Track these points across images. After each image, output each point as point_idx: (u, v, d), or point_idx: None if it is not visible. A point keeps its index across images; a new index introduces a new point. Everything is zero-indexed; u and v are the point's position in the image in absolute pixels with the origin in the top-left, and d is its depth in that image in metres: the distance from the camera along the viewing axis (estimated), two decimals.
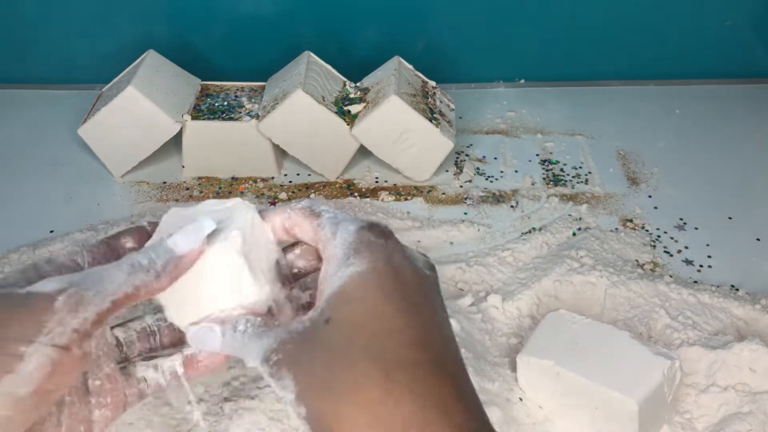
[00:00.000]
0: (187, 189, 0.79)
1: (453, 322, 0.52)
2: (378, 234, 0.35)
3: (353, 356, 0.32)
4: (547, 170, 0.82)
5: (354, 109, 0.78)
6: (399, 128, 0.76)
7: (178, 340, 0.39)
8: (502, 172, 0.82)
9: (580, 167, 0.82)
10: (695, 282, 0.66)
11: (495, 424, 0.49)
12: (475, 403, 0.33)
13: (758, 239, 0.72)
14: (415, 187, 0.79)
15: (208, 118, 0.78)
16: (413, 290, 0.34)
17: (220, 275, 0.36)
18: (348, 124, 0.77)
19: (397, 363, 0.32)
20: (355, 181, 0.80)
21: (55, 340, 0.31)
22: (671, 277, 0.66)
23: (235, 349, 0.36)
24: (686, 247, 0.71)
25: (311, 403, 0.32)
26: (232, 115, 0.78)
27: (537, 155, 0.84)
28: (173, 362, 0.38)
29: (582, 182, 0.80)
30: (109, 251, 0.38)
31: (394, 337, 0.32)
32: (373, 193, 0.78)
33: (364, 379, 0.31)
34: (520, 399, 0.55)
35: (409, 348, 0.32)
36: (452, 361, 0.34)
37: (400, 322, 0.33)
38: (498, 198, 0.78)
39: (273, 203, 0.76)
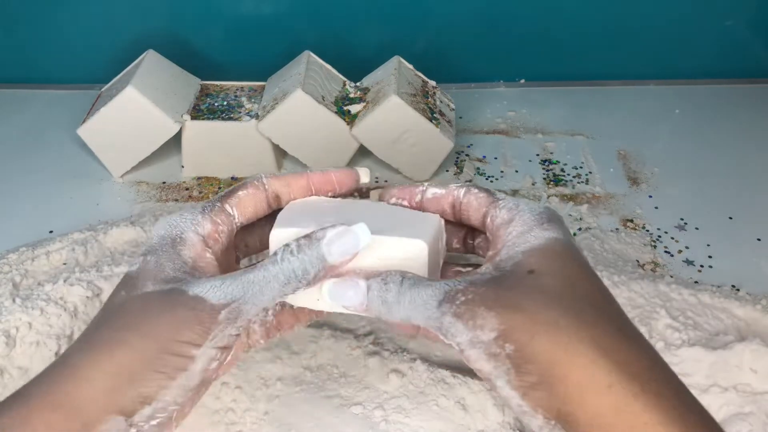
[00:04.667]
0: (187, 189, 0.79)
1: None
2: (558, 214, 0.39)
3: (577, 304, 0.35)
4: (547, 170, 0.82)
5: (354, 109, 0.78)
6: (399, 128, 0.76)
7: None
8: (502, 172, 0.82)
9: (581, 167, 0.82)
10: (696, 282, 0.66)
11: (496, 425, 0.49)
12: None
13: (759, 239, 0.72)
14: None
15: (208, 118, 0.78)
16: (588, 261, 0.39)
17: None
18: (348, 124, 0.77)
19: (615, 314, 0.36)
20: None
21: (218, 343, 0.37)
22: (672, 277, 0.66)
23: (383, 305, 0.37)
24: (687, 247, 0.71)
25: (526, 341, 0.33)
26: (232, 115, 0.78)
27: (537, 155, 0.84)
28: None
29: (582, 182, 0.80)
30: (226, 217, 0.44)
31: (605, 294, 0.36)
32: None
33: (596, 321, 0.34)
34: None
35: (613, 305, 0.36)
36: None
37: (600, 284, 0.37)
38: None
39: None
